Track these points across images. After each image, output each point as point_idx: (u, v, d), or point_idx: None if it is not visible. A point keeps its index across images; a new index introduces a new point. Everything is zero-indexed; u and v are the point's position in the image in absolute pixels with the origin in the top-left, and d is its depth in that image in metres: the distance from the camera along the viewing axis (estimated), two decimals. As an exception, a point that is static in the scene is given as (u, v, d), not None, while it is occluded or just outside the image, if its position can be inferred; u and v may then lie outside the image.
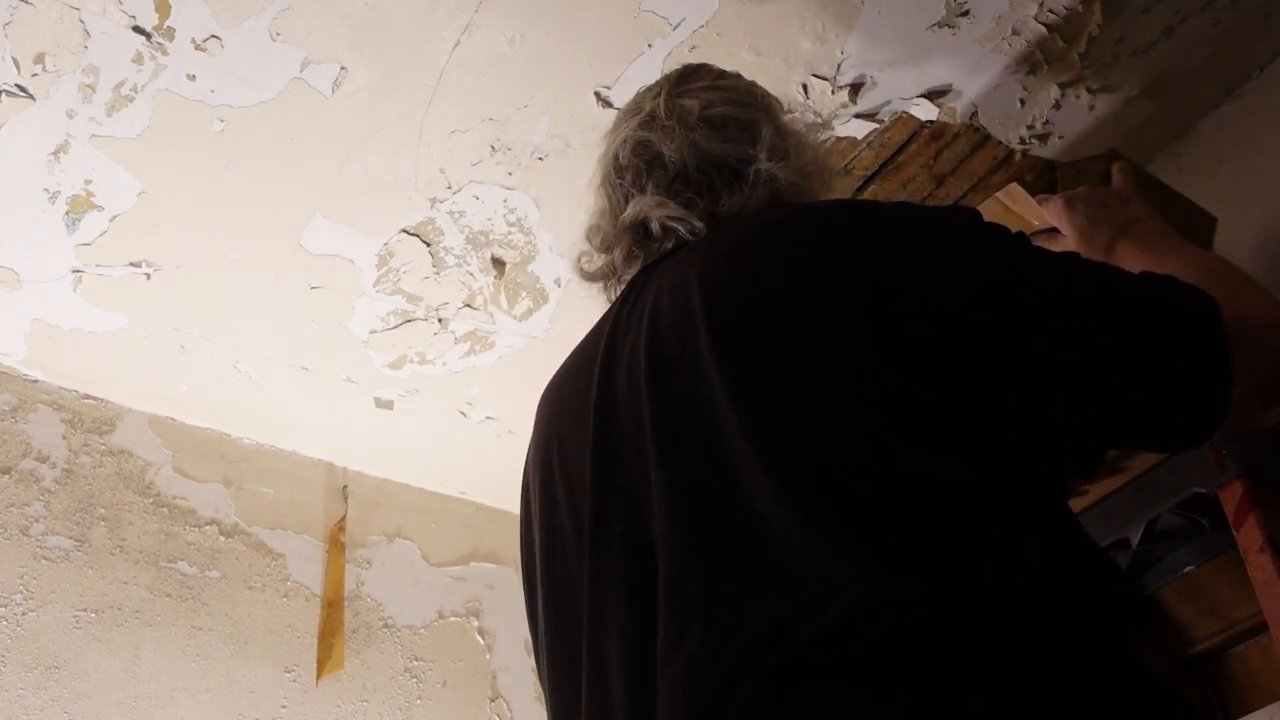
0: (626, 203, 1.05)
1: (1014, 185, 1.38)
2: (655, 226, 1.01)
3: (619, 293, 1.07)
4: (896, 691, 0.65)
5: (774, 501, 0.74)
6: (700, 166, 1.03)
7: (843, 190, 1.77)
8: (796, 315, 0.82)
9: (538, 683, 2.33)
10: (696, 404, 0.83)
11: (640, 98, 1.13)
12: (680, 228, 1.00)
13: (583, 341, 1.09)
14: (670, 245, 1.01)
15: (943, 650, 0.66)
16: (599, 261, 1.10)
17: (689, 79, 1.12)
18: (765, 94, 1.14)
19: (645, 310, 0.94)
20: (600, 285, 1.12)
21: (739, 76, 1.15)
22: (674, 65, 1.56)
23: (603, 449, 0.90)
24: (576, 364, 1.06)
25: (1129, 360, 0.81)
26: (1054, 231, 1.28)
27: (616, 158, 1.08)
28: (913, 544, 0.70)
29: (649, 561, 0.80)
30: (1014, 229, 1.17)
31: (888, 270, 0.82)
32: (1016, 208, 1.36)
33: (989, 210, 1.40)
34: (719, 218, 1.01)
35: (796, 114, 1.14)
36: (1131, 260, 1.09)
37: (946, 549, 0.70)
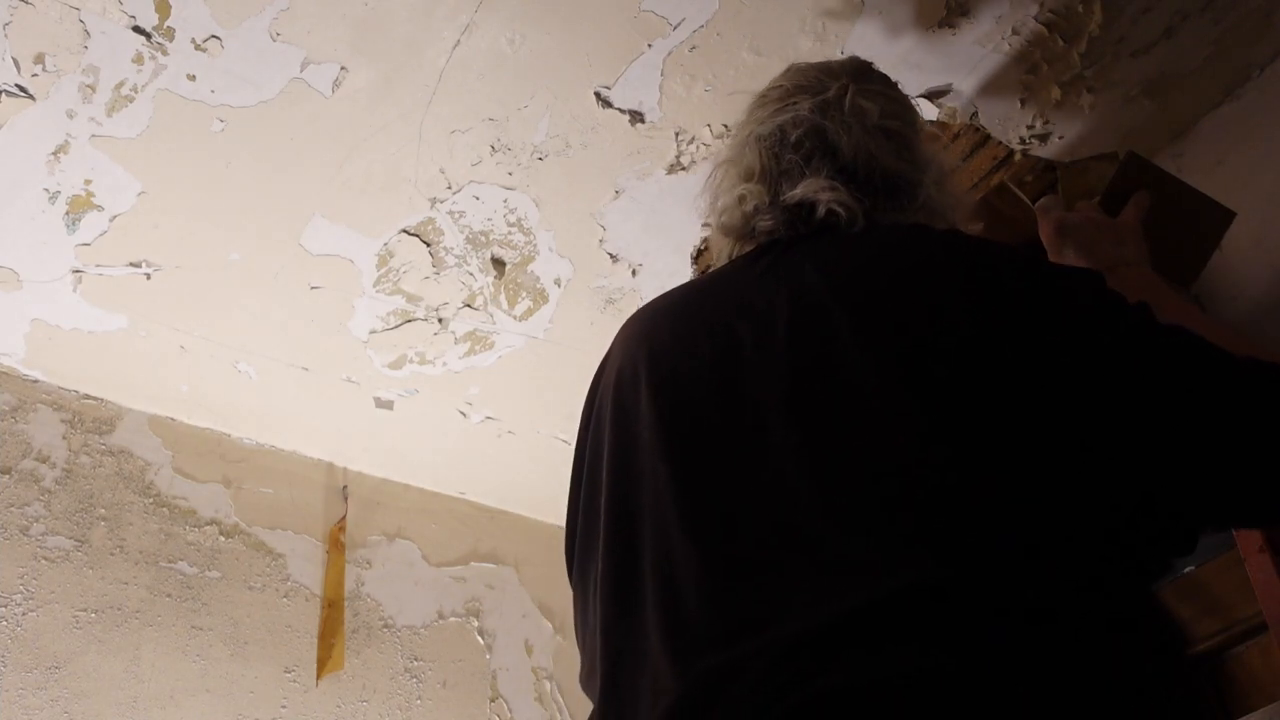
0: (784, 177, 1.06)
1: (1003, 185, 1.38)
2: (821, 209, 1.01)
3: (747, 255, 1.05)
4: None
5: (913, 468, 0.77)
6: (868, 172, 1.04)
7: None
8: (944, 326, 0.85)
9: (537, 683, 2.34)
10: (838, 380, 0.84)
11: (814, 78, 1.12)
12: (843, 214, 1.01)
13: (690, 289, 1.09)
14: (818, 228, 1.02)
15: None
16: (738, 217, 1.08)
17: (866, 77, 1.13)
18: (919, 115, 1.16)
19: (785, 285, 0.95)
20: (728, 242, 1.10)
21: (900, 88, 1.17)
22: (674, 65, 1.57)
23: (725, 394, 0.90)
24: (687, 305, 1.05)
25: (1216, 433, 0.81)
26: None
27: (784, 131, 1.08)
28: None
29: (749, 501, 0.81)
30: (1003, 234, 1.18)
31: (1032, 323, 0.84)
32: (1007, 210, 1.36)
33: (980, 213, 1.40)
34: (872, 221, 1.02)
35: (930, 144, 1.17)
36: None
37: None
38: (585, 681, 0.92)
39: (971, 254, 0.92)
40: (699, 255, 1.90)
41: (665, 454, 0.89)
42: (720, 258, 1.11)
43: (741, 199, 1.07)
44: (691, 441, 0.89)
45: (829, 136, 1.06)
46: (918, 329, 0.85)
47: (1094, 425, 0.80)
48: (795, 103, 1.10)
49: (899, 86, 1.18)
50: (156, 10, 1.45)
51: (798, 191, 1.03)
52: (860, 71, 1.14)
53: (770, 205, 1.05)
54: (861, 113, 1.07)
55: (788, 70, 1.17)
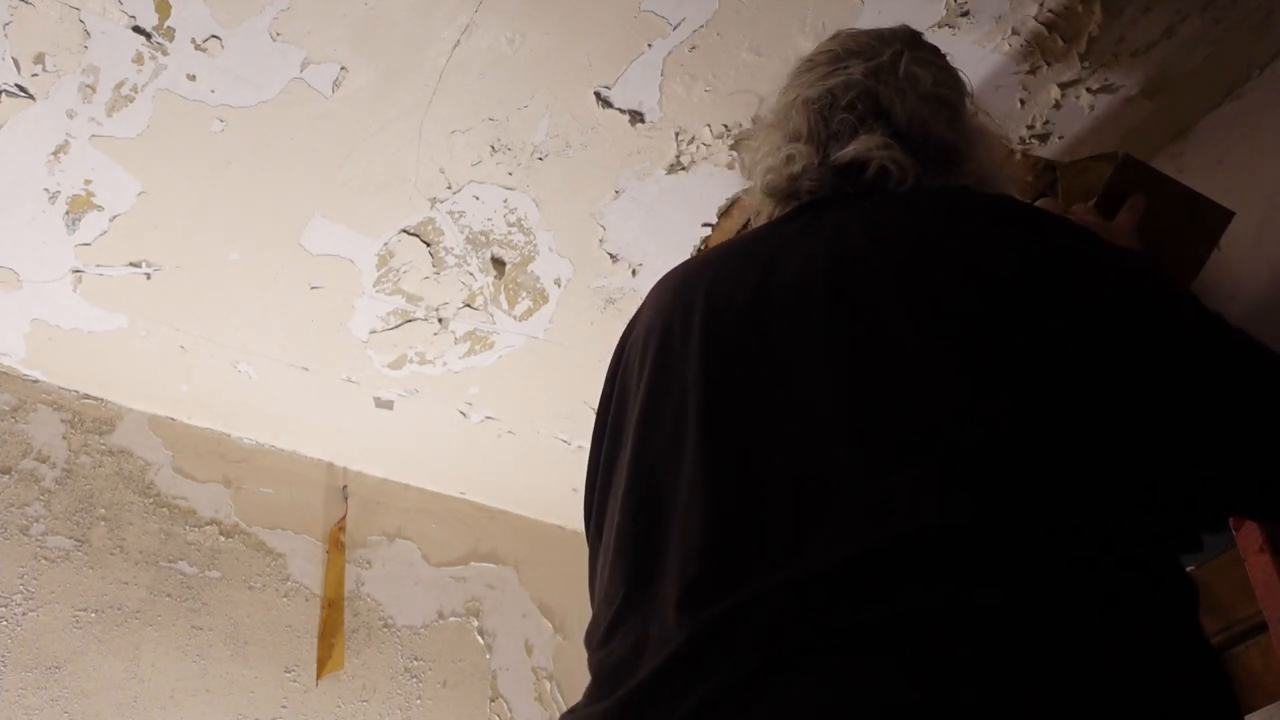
0: (834, 139, 1.05)
1: None
2: (873, 166, 1.01)
3: (788, 214, 1.04)
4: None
5: (943, 406, 0.76)
6: (923, 138, 1.04)
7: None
8: (990, 284, 0.84)
9: (537, 683, 2.34)
10: (869, 318, 0.84)
11: (866, 43, 1.12)
12: (894, 171, 1.00)
13: (724, 248, 1.07)
14: (865, 188, 1.01)
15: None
16: (784, 177, 1.06)
17: (919, 45, 1.13)
18: (967, 85, 1.15)
19: (823, 239, 0.94)
20: (770, 202, 1.09)
21: (949, 59, 1.16)
22: (674, 65, 1.57)
23: (746, 331, 0.90)
24: (725, 260, 1.03)
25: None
26: None
27: (834, 94, 1.07)
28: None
29: (779, 438, 0.81)
30: None
31: (1086, 289, 0.84)
32: None
33: None
34: (920, 183, 1.01)
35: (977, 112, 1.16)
36: None
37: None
38: (588, 636, 0.92)
39: (1021, 216, 0.91)
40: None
41: (695, 405, 0.89)
42: (759, 219, 1.10)
43: (790, 159, 1.06)
44: (722, 391, 0.88)
45: (882, 101, 1.05)
46: (961, 285, 0.84)
47: (1131, 397, 0.80)
48: (847, 66, 1.09)
49: (949, 58, 1.17)
50: (156, 10, 1.45)
51: (849, 149, 1.02)
52: (914, 39, 1.14)
53: (819, 166, 1.04)
54: (915, 79, 1.07)
55: (836, 35, 1.17)
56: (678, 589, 0.78)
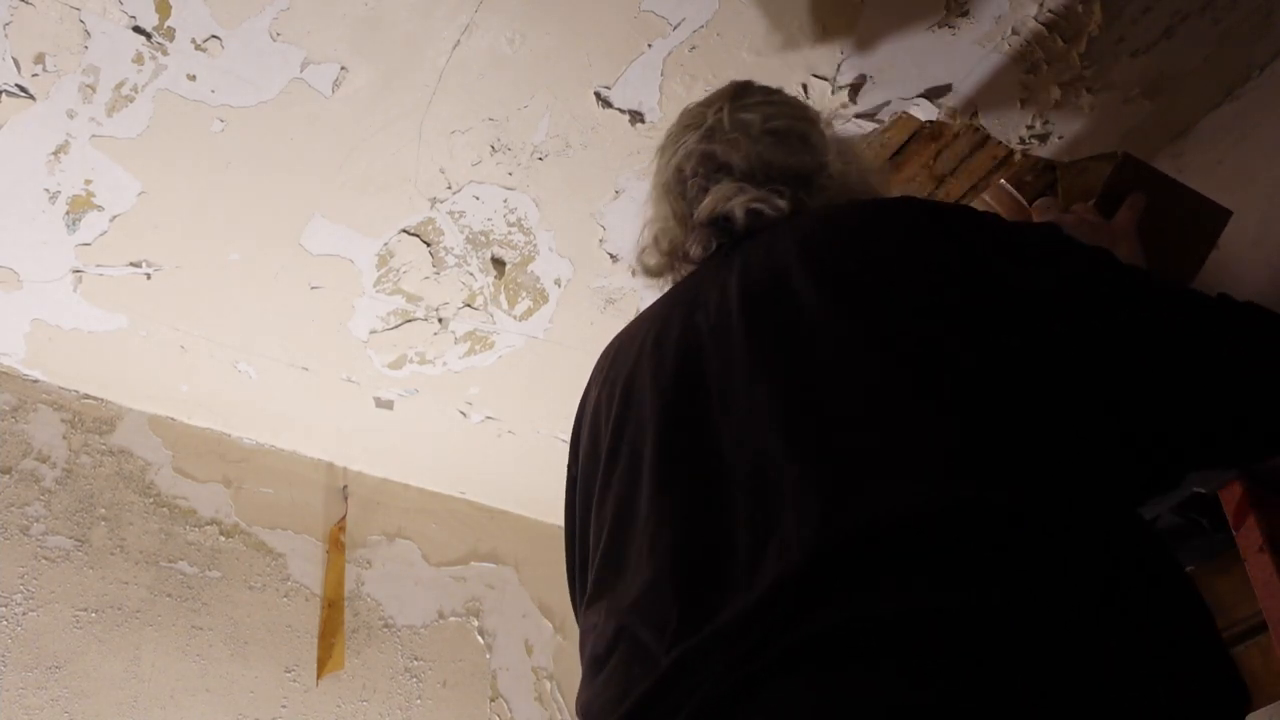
0: (692, 206, 1.11)
1: (999, 185, 1.38)
2: (739, 213, 1.05)
3: (687, 274, 1.11)
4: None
5: (882, 394, 0.79)
6: (767, 174, 1.09)
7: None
8: (894, 267, 0.88)
9: (537, 683, 2.34)
10: (792, 324, 0.88)
11: (696, 113, 1.18)
12: (764, 208, 1.05)
13: (649, 309, 1.13)
14: (747, 229, 1.06)
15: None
16: (664, 258, 1.14)
17: (744, 94, 1.18)
18: (811, 108, 1.21)
19: (734, 270, 0.99)
20: (661, 280, 1.17)
21: (785, 92, 1.22)
22: (674, 65, 1.57)
23: (682, 375, 0.94)
24: (648, 320, 1.09)
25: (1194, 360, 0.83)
26: None
27: (680, 170, 1.14)
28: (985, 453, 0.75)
29: (728, 459, 0.83)
30: None
31: (986, 257, 0.88)
32: (1005, 212, 1.36)
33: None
34: (801, 208, 1.06)
35: (835, 125, 1.21)
36: None
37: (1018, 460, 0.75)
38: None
39: (917, 207, 0.95)
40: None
41: (650, 447, 0.92)
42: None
43: (656, 239, 1.15)
44: (671, 427, 0.91)
45: (719, 157, 1.11)
46: (875, 282, 0.88)
47: (1065, 368, 0.82)
48: (684, 141, 1.16)
49: (783, 91, 1.23)
50: (156, 10, 1.45)
51: (704, 205, 1.08)
52: (736, 92, 1.20)
53: (690, 231, 1.10)
54: (744, 125, 1.12)
55: (678, 117, 1.23)
56: (653, 627, 0.79)
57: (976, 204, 1.41)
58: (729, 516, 0.80)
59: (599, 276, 1.91)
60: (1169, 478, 0.86)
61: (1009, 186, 1.37)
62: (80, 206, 1.69)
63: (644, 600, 0.81)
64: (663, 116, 1.64)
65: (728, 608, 0.74)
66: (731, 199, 1.06)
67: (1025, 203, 1.36)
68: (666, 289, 1.15)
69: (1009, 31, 1.58)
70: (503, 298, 1.93)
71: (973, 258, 0.88)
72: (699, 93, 1.61)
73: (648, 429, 0.93)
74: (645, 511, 0.87)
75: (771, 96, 1.19)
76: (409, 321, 1.96)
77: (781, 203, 1.05)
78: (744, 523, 0.78)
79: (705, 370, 0.92)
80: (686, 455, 0.88)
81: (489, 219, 1.79)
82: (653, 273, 1.16)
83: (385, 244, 1.81)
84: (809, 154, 1.11)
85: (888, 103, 1.66)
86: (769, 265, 0.95)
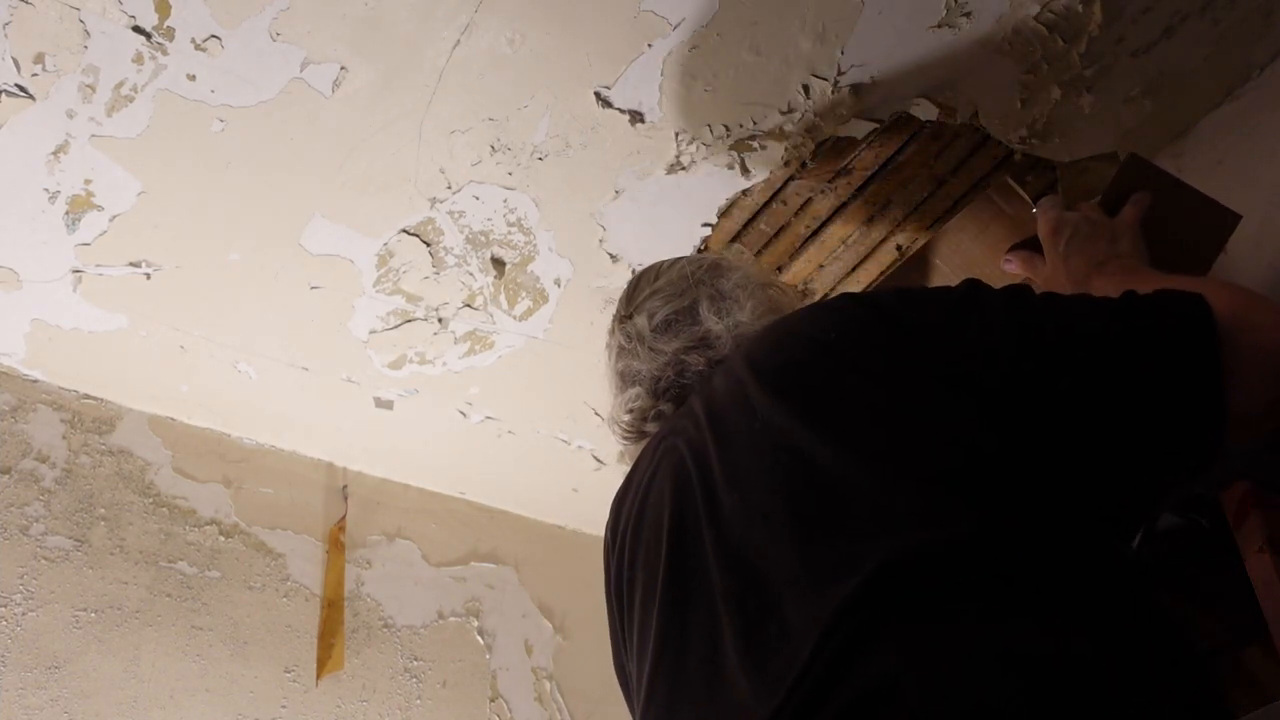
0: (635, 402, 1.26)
1: (1005, 181, 1.38)
2: (688, 371, 1.20)
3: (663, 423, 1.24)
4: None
5: (841, 464, 0.83)
6: (669, 365, 1.22)
7: (841, 192, 1.77)
8: (835, 347, 0.94)
9: (537, 683, 2.34)
10: (753, 434, 0.94)
11: (610, 330, 1.35)
12: (697, 363, 1.21)
13: (643, 452, 1.25)
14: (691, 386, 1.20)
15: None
16: (630, 449, 1.30)
17: (634, 295, 1.32)
18: (700, 268, 1.31)
19: (700, 403, 1.09)
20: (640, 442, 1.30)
21: (675, 264, 1.33)
22: (674, 65, 1.57)
23: (677, 498, 1.01)
24: (642, 468, 1.19)
25: (1121, 383, 0.84)
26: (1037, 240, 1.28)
27: (611, 383, 1.32)
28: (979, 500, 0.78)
29: (737, 574, 0.88)
30: (1003, 231, 1.19)
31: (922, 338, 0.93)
32: (1008, 208, 1.36)
33: (982, 210, 1.41)
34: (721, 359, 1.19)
35: (740, 269, 1.31)
36: (1103, 294, 1.12)
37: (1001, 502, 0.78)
38: None
39: (843, 302, 1.02)
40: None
41: (659, 600, 0.98)
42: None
43: (612, 423, 1.31)
44: (673, 563, 0.97)
45: (634, 368, 1.26)
46: (816, 361, 0.95)
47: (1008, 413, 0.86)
48: (610, 352, 1.33)
49: (674, 262, 1.35)
50: (156, 10, 1.45)
51: (621, 408, 1.27)
52: (629, 295, 1.34)
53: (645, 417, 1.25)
54: (637, 332, 1.26)
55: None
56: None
57: (982, 201, 1.41)
58: (731, 626, 0.84)
59: (599, 276, 1.91)
60: (1150, 499, 0.89)
61: (1014, 183, 1.37)
62: (80, 206, 1.69)
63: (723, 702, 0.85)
64: (663, 116, 1.65)
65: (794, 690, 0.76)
66: (634, 407, 1.24)
67: (1030, 199, 1.36)
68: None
69: (1009, 31, 1.58)
70: (503, 298, 1.93)
71: (909, 330, 0.93)
72: (699, 93, 1.61)
73: (658, 560, 1.00)
74: (654, 640, 0.93)
75: (657, 284, 1.31)
76: (409, 321, 1.96)
77: (718, 353, 1.19)
78: (745, 629, 0.83)
79: (690, 492, 0.99)
80: (685, 578, 0.94)
81: (489, 219, 1.79)
82: (627, 459, 1.30)
83: (385, 244, 1.81)
84: (697, 325, 1.23)
85: (888, 103, 1.66)
86: (725, 389, 1.05)
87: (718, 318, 1.23)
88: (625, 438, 1.29)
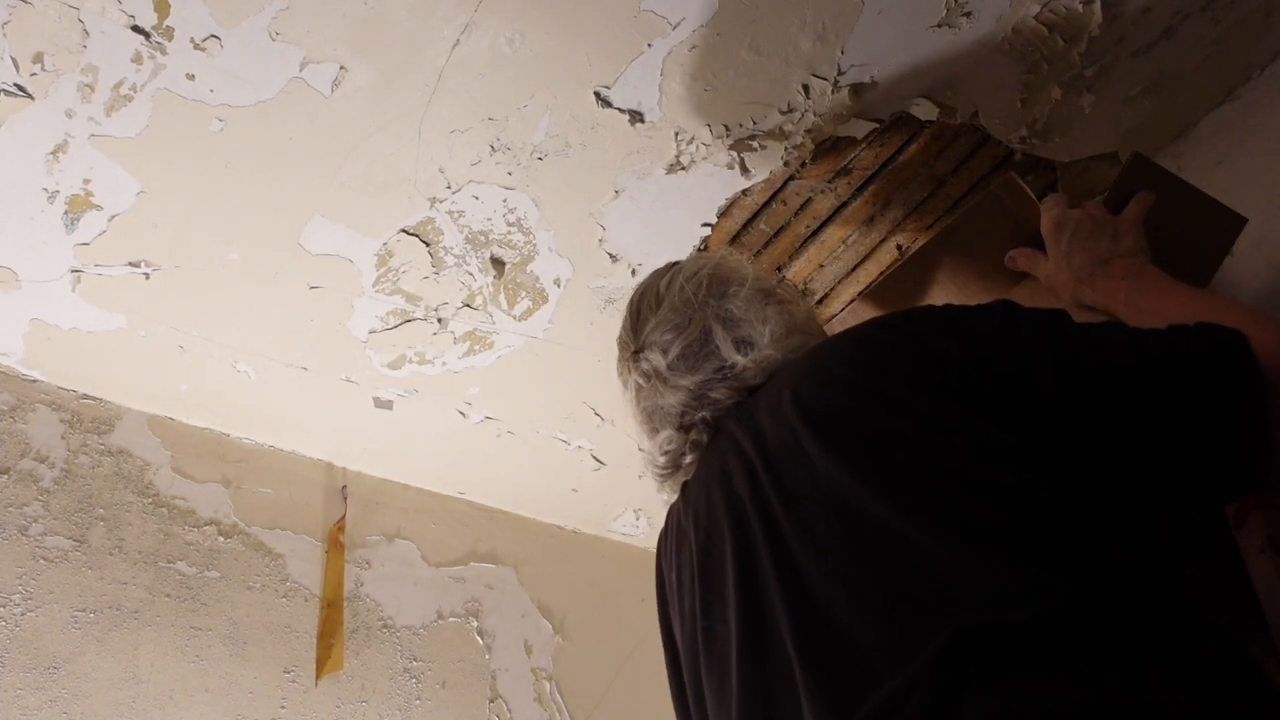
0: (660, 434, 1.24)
1: (1010, 178, 1.37)
2: (718, 407, 1.19)
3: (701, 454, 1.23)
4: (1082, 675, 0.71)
5: (915, 531, 0.82)
6: (692, 398, 1.20)
7: (841, 192, 1.77)
8: (886, 392, 0.93)
9: (537, 683, 2.34)
10: (817, 493, 0.92)
11: (621, 363, 1.30)
12: (728, 396, 1.19)
13: (683, 496, 1.24)
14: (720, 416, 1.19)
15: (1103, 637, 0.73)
16: (666, 471, 1.27)
17: (639, 325, 1.27)
18: (700, 288, 1.27)
19: (750, 443, 1.07)
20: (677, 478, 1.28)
21: (672, 284, 1.29)
22: (674, 65, 1.57)
23: (741, 550, 1.00)
24: (689, 505, 1.18)
25: (1165, 419, 0.85)
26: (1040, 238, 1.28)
27: (640, 423, 1.28)
28: (1044, 549, 0.78)
29: (803, 624, 0.88)
30: (1007, 228, 1.19)
31: (957, 359, 0.93)
32: (1012, 205, 1.36)
33: (986, 209, 1.40)
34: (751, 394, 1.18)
35: (740, 281, 1.27)
36: (1109, 294, 1.12)
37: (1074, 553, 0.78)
38: None
39: (881, 330, 1.01)
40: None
41: (736, 654, 0.97)
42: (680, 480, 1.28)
43: (649, 464, 1.28)
44: (745, 624, 0.97)
45: (659, 404, 1.23)
46: (866, 406, 0.94)
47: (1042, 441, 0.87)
48: (628, 391, 1.29)
49: (672, 280, 1.30)
50: (155, 9, 1.45)
51: (656, 450, 1.25)
52: (634, 325, 1.29)
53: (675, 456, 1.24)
54: (655, 370, 1.23)
55: (619, 339, 1.34)
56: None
57: (986, 197, 1.41)
58: (808, 690, 0.84)
59: (599, 276, 1.91)
60: (1195, 517, 0.90)
61: (1019, 180, 1.37)
62: (79, 206, 1.69)
63: None
64: (662, 116, 1.64)
65: None
66: (667, 444, 1.22)
67: (1034, 196, 1.36)
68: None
69: (1009, 31, 1.58)
70: (502, 298, 1.93)
71: (951, 367, 0.93)
72: (699, 93, 1.61)
73: (731, 618, 0.99)
74: (737, 696, 0.93)
75: (661, 311, 1.26)
76: (408, 321, 1.95)
77: (747, 383, 1.17)
78: (819, 689, 0.83)
79: (754, 538, 0.99)
80: (760, 634, 0.94)
81: (488, 219, 1.79)
82: (669, 471, 1.27)
83: (384, 244, 1.81)
84: (714, 356, 1.20)
85: (888, 103, 1.66)
86: (777, 433, 1.03)
87: (737, 350, 1.19)
88: (661, 475, 1.26)
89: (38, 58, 1.49)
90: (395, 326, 1.96)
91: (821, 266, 1.89)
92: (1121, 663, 0.70)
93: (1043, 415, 0.86)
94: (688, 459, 1.22)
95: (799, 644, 0.85)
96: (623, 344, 1.32)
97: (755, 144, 1.70)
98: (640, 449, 1.31)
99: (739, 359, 1.18)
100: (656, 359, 1.23)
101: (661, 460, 1.23)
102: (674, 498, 1.27)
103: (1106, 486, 0.83)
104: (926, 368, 0.92)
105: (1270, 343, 0.86)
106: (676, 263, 1.37)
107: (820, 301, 1.95)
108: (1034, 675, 0.70)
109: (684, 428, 1.20)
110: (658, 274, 1.35)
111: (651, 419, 1.25)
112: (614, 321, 1.93)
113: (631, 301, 1.34)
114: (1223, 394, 0.84)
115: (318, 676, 2.05)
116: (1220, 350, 0.85)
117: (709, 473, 1.15)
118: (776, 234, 1.84)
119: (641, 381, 1.24)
